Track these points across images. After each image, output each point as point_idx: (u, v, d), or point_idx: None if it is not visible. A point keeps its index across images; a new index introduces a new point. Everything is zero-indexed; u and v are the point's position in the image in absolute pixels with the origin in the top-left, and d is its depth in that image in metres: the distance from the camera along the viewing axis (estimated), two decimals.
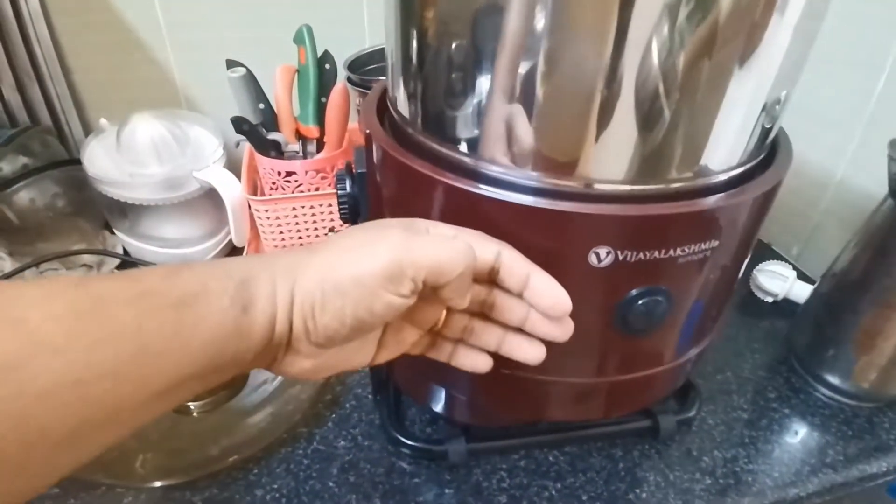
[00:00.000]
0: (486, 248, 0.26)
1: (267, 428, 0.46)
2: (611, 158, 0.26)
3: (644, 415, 0.46)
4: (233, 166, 0.62)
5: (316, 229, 0.61)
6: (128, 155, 0.58)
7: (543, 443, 0.46)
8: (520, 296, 0.26)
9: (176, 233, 0.63)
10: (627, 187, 0.26)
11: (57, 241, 0.61)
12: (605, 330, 0.30)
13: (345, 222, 0.37)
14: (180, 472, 0.42)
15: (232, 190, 0.58)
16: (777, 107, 0.28)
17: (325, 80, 0.58)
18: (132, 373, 0.20)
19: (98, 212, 0.64)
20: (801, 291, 0.58)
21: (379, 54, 0.68)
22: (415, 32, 0.28)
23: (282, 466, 0.44)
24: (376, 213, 0.34)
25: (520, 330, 0.28)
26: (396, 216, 0.28)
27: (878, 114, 0.54)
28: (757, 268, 0.61)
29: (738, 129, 0.27)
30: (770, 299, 0.60)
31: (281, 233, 0.61)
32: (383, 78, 0.34)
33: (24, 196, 0.58)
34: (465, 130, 0.28)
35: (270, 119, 0.59)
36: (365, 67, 0.67)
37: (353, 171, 0.35)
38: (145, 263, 0.61)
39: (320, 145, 0.60)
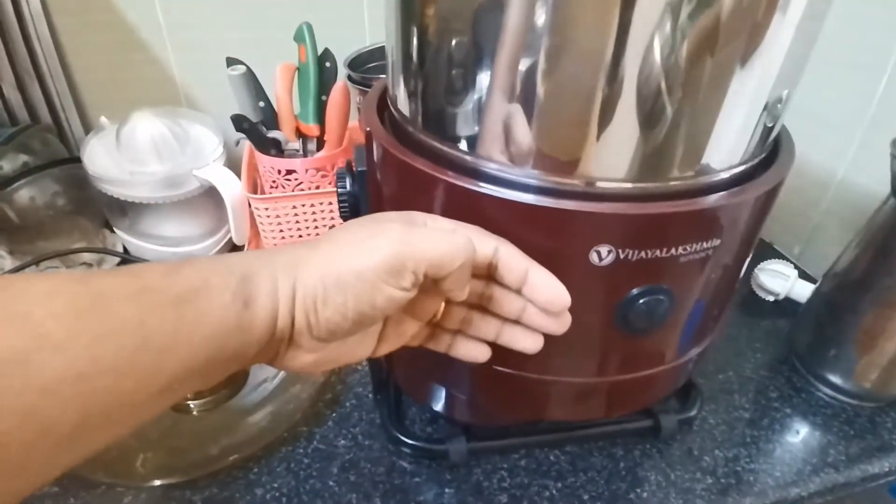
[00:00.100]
0: (484, 244, 0.26)
1: (267, 427, 0.46)
2: (612, 157, 0.26)
3: (645, 414, 0.46)
4: (233, 165, 0.62)
5: (316, 228, 0.61)
6: (128, 153, 0.58)
7: (544, 442, 0.45)
8: (518, 291, 0.26)
9: (176, 231, 0.63)
10: (629, 186, 0.26)
11: (57, 239, 0.61)
12: (606, 329, 0.30)
13: (345, 221, 0.37)
14: (180, 471, 0.42)
15: (232, 188, 0.58)
16: (779, 106, 0.28)
17: (325, 79, 0.58)
18: (134, 368, 0.20)
19: (98, 210, 0.63)
20: (803, 291, 0.58)
21: (379, 52, 0.68)
22: (415, 30, 0.28)
23: (282, 465, 0.44)
24: (377, 212, 0.34)
25: (518, 322, 0.28)
26: None
27: (880, 115, 0.54)
28: (758, 267, 0.61)
29: (739, 128, 0.27)
30: (771, 298, 0.60)
31: (281, 231, 0.61)
32: (384, 76, 0.34)
33: (24, 194, 0.58)
34: (465, 128, 0.28)
35: (271, 117, 0.59)
36: (365, 65, 0.67)
37: (354, 169, 0.34)
38: (145, 262, 0.61)
39: (320, 143, 0.60)
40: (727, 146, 0.27)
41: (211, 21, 0.65)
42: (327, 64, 0.58)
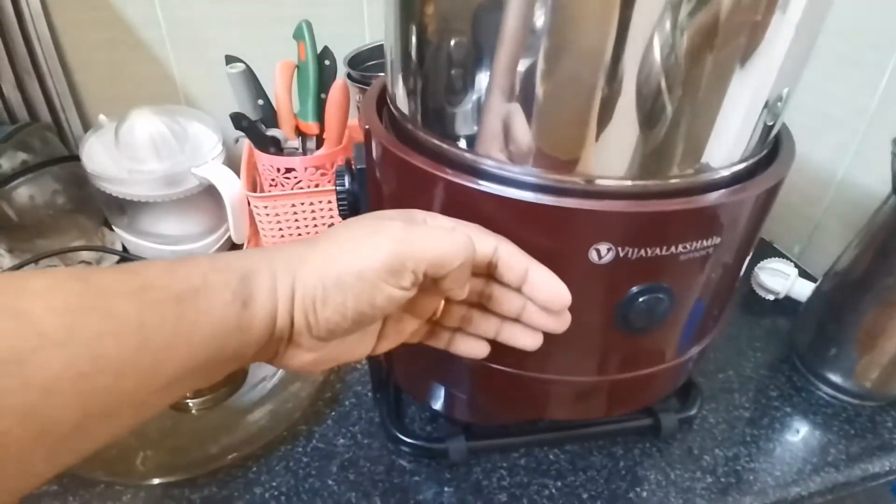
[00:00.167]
0: (484, 242, 0.26)
1: (266, 426, 0.46)
2: (612, 155, 0.26)
3: (645, 413, 0.46)
4: (232, 163, 0.61)
5: (315, 226, 0.61)
6: (126, 151, 0.58)
7: (544, 441, 0.45)
8: (518, 290, 0.26)
9: (175, 229, 0.63)
10: (628, 183, 0.26)
11: (56, 237, 0.60)
12: (606, 328, 0.30)
13: (344, 219, 0.37)
14: (179, 469, 0.42)
15: (231, 187, 0.58)
16: (779, 104, 0.28)
17: (324, 77, 0.58)
18: (134, 367, 0.20)
19: (97, 208, 0.63)
20: (803, 289, 0.58)
21: (379, 50, 0.68)
22: (414, 28, 0.28)
23: (281, 464, 0.44)
24: (376, 210, 0.34)
25: (517, 320, 0.28)
26: None
27: (881, 113, 0.54)
28: (758, 265, 0.61)
29: (739, 126, 0.27)
30: (772, 297, 0.60)
31: (280, 229, 0.61)
32: (383, 74, 0.34)
33: (23, 193, 0.58)
34: (465, 127, 0.28)
35: (270, 115, 0.59)
36: (365, 63, 0.67)
37: (353, 167, 0.34)
38: (144, 260, 0.61)
39: (320, 142, 0.60)
40: (727, 144, 0.27)
41: (210, 19, 0.65)
42: (327, 62, 0.58)
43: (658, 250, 0.27)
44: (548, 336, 0.28)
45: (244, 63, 0.56)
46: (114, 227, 0.63)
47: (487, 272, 0.27)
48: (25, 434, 0.17)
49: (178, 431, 0.46)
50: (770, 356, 0.54)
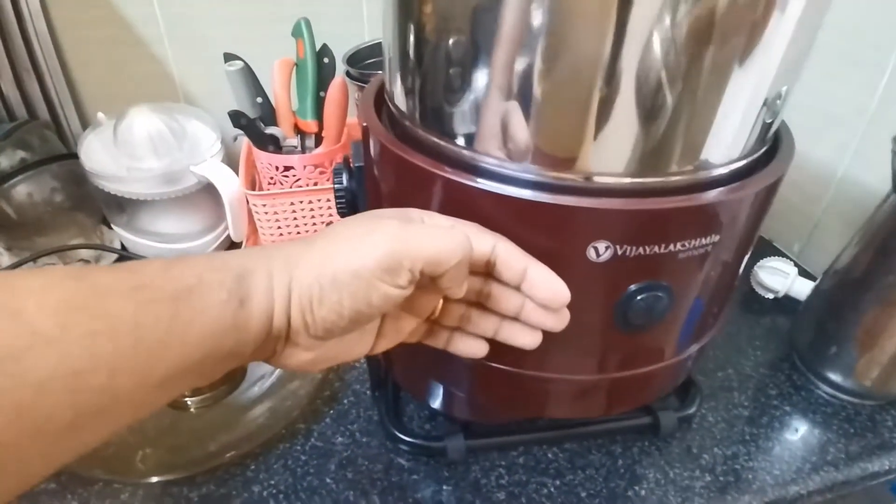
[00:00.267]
0: (481, 241, 0.25)
1: (265, 424, 0.46)
2: (610, 152, 0.25)
3: (644, 411, 0.45)
4: (231, 161, 0.61)
5: (314, 224, 0.61)
6: (125, 149, 0.58)
7: (542, 439, 0.45)
8: (517, 288, 0.26)
9: (173, 228, 0.63)
10: (627, 181, 0.26)
11: (55, 235, 0.60)
12: (605, 326, 0.30)
13: (343, 217, 0.37)
14: (178, 468, 0.42)
15: (229, 185, 0.57)
16: (778, 101, 0.28)
17: (323, 75, 0.58)
18: (129, 365, 0.20)
19: (96, 206, 0.63)
20: (803, 288, 0.58)
21: (378, 48, 0.68)
22: (413, 26, 0.28)
23: (279, 462, 0.44)
24: (374, 208, 0.34)
25: (516, 318, 0.28)
26: None
27: (881, 111, 0.54)
28: (758, 264, 0.61)
29: (739, 123, 0.26)
30: (771, 296, 0.60)
31: (279, 228, 0.60)
32: (382, 72, 0.34)
33: (21, 191, 0.58)
34: (463, 125, 0.28)
35: (268, 113, 0.59)
36: (364, 61, 0.67)
37: (351, 165, 0.34)
38: (143, 259, 0.60)
39: (319, 140, 0.60)
40: (726, 141, 0.27)
41: (209, 16, 0.65)
42: (325, 60, 0.58)
43: (657, 248, 0.27)
44: (547, 334, 0.28)
45: (243, 61, 0.56)
46: (112, 226, 0.63)
47: (486, 271, 0.27)
48: (20, 432, 0.17)
49: (176, 429, 0.46)
50: (770, 355, 0.54)
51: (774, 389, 0.51)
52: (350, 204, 0.35)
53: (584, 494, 0.42)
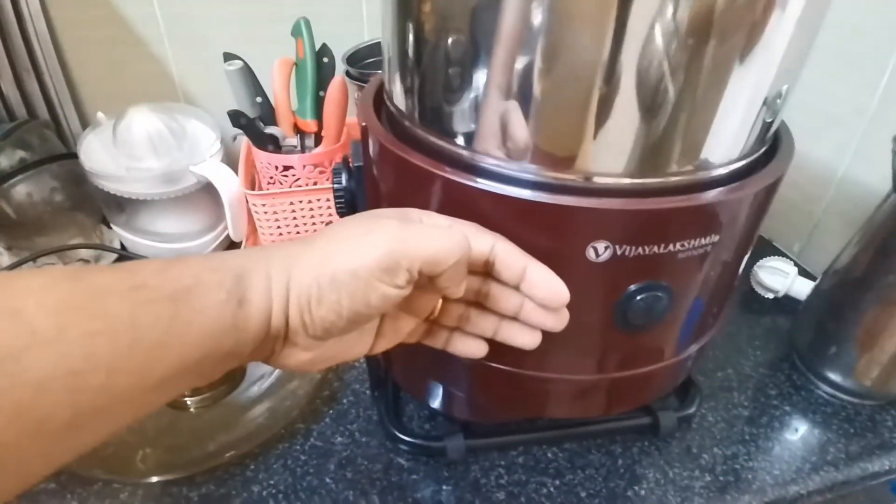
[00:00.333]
0: (480, 241, 0.25)
1: (265, 423, 0.46)
2: (610, 152, 0.25)
3: (644, 411, 0.45)
4: (230, 161, 0.61)
5: (314, 224, 0.61)
6: (124, 149, 0.58)
7: (542, 439, 0.45)
8: (516, 288, 0.26)
9: (173, 227, 0.63)
10: (626, 181, 0.26)
11: (55, 235, 0.60)
12: (605, 326, 0.30)
13: (342, 217, 0.37)
14: (178, 467, 0.42)
15: (229, 184, 0.57)
16: (778, 101, 0.28)
17: (323, 74, 0.58)
18: (127, 365, 0.20)
19: (96, 206, 0.63)
20: (803, 288, 0.58)
21: (378, 48, 0.68)
22: (412, 25, 0.28)
23: (279, 462, 0.43)
24: (373, 208, 0.34)
25: (515, 318, 0.28)
26: None
27: (881, 111, 0.53)
28: (758, 264, 0.61)
29: (739, 123, 0.26)
30: (771, 296, 0.60)
31: (278, 227, 0.60)
32: (381, 71, 0.34)
33: (21, 190, 0.58)
34: (462, 124, 0.28)
35: (268, 113, 0.59)
36: (364, 61, 0.67)
37: (350, 164, 0.34)
38: (142, 258, 0.60)
39: (318, 139, 0.60)
40: (726, 141, 0.27)
41: (208, 16, 0.65)
42: (325, 59, 0.58)
43: (656, 248, 0.27)
44: (546, 334, 0.28)
45: (242, 60, 0.56)
46: (112, 225, 0.63)
47: (485, 270, 0.27)
48: (19, 431, 0.17)
49: (176, 429, 0.46)
50: (769, 355, 0.54)
51: (774, 389, 0.51)
52: (349, 204, 0.35)
53: (583, 494, 0.42)
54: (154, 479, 0.41)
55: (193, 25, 0.65)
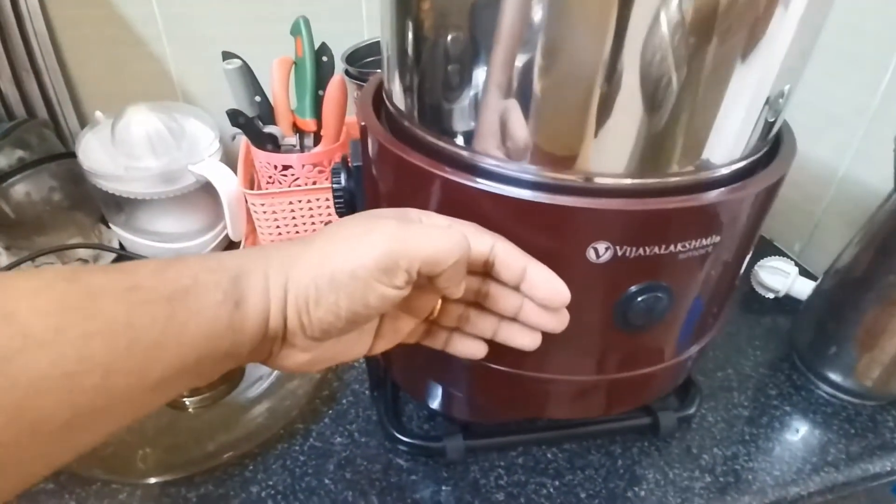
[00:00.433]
0: (480, 241, 0.25)
1: (264, 424, 0.46)
2: (610, 151, 0.25)
3: (644, 412, 0.45)
4: (229, 160, 0.61)
5: (313, 224, 0.61)
6: (122, 148, 0.58)
7: (542, 440, 0.45)
8: (516, 288, 0.26)
9: (172, 227, 0.62)
10: (627, 181, 0.26)
11: (53, 234, 0.60)
12: (605, 327, 0.30)
13: (341, 217, 0.36)
14: (177, 468, 0.42)
15: (228, 184, 0.57)
16: (780, 100, 0.27)
17: (322, 73, 0.57)
18: (124, 366, 0.20)
19: (94, 205, 0.63)
20: (803, 288, 0.58)
21: (377, 47, 0.68)
22: (411, 24, 0.27)
23: (278, 463, 0.43)
24: (372, 208, 0.34)
25: (515, 319, 0.27)
26: None
27: (882, 110, 0.53)
28: (758, 264, 0.60)
29: (740, 123, 0.26)
30: (771, 296, 0.60)
31: (277, 227, 0.60)
32: (380, 70, 0.34)
33: (20, 190, 0.57)
34: (461, 124, 0.27)
35: (267, 112, 0.59)
36: (363, 60, 0.66)
37: (349, 164, 0.34)
38: (141, 258, 0.60)
39: (317, 139, 0.59)
40: (728, 141, 0.27)
41: (207, 15, 0.65)
42: (324, 58, 0.57)
43: (657, 249, 0.27)
44: (546, 335, 0.27)
45: (241, 59, 0.56)
46: (111, 225, 0.63)
47: (484, 271, 0.27)
48: (18, 431, 0.18)
49: (175, 429, 0.46)
50: (770, 355, 0.54)
51: (774, 389, 0.51)
52: (348, 203, 0.35)
53: (583, 495, 0.42)
54: (153, 479, 0.41)
55: (192, 24, 0.65)
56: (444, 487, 0.42)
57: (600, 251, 0.26)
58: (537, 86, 0.24)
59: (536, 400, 0.36)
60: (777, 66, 0.25)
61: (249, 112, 0.57)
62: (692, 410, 0.46)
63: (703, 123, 0.25)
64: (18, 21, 0.59)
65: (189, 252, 0.62)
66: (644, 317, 0.29)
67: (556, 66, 0.24)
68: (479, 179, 0.27)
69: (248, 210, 0.60)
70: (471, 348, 0.29)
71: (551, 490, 0.42)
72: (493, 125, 0.26)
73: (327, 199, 0.59)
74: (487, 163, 0.27)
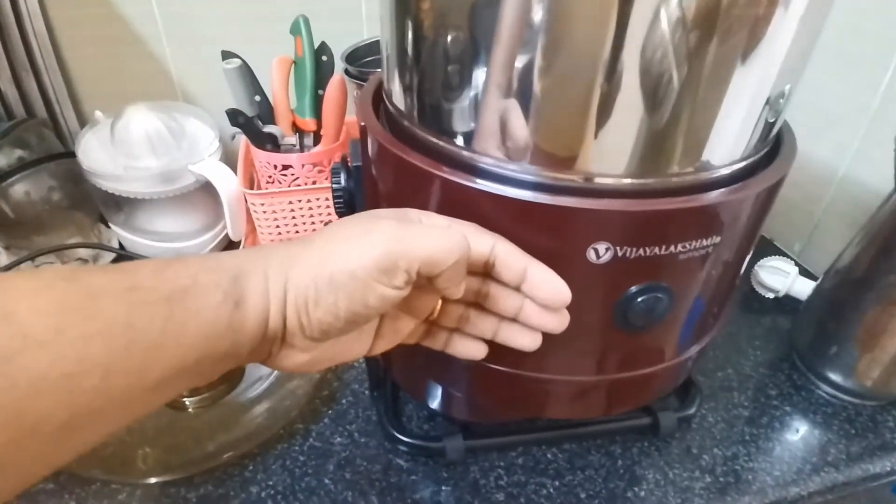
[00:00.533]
0: (480, 241, 0.25)
1: (263, 424, 0.45)
2: (610, 152, 0.25)
3: (644, 412, 0.45)
4: (229, 160, 0.61)
5: (313, 223, 0.61)
6: (122, 148, 0.58)
7: (542, 440, 0.45)
8: (516, 289, 0.26)
9: (172, 227, 0.62)
10: (627, 182, 0.26)
11: (53, 234, 0.60)
12: (605, 327, 0.30)
13: (340, 217, 0.36)
14: (176, 468, 0.42)
15: (227, 183, 0.57)
16: (781, 101, 0.27)
17: (321, 72, 0.57)
18: (123, 366, 0.20)
19: (94, 205, 0.63)
20: (804, 288, 0.58)
21: (377, 46, 0.67)
22: (411, 24, 0.27)
23: (278, 463, 0.43)
24: (372, 208, 0.34)
25: (515, 319, 0.27)
26: None
27: (883, 110, 0.53)
28: (758, 264, 0.60)
29: (741, 123, 0.26)
30: (771, 296, 0.60)
31: (277, 227, 0.60)
32: (380, 70, 0.34)
33: (19, 189, 0.57)
34: (461, 124, 0.27)
35: (267, 112, 0.58)
36: (363, 59, 0.66)
37: (349, 164, 0.34)
38: (140, 258, 0.60)
39: (317, 138, 0.59)
40: (728, 142, 0.27)
41: (207, 14, 0.65)
42: (324, 58, 0.57)
43: (657, 249, 0.27)
44: (546, 335, 0.27)
45: (241, 59, 0.56)
46: (110, 224, 0.63)
47: (484, 271, 0.26)
48: (17, 431, 0.17)
49: (174, 429, 0.46)
50: (770, 355, 0.54)
51: (774, 389, 0.51)
52: (348, 203, 0.35)
53: (583, 495, 0.42)
54: (153, 479, 0.41)
55: (192, 24, 0.65)
56: (443, 487, 0.42)
57: (600, 252, 0.26)
58: (537, 86, 0.24)
59: (536, 400, 0.36)
60: (777, 66, 0.25)
61: (249, 112, 0.57)
62: (692, 410, 0.46)
63: (704, 124, 0.25)
64: (18, 21, 0.59)
65: (189, 252, 0.62)
66: (644, 317, 0.29)
67: (555, 66, 0.24)
68: (478, 180, 0.27)
69: (247, 210, 0.60)
70: (471, 349, 0.29)
71: (551, 490, 0.42)
72: (493, 125, 0.26)
73: (327, 199, 0.59)
74: (487, 163, 0.27)
